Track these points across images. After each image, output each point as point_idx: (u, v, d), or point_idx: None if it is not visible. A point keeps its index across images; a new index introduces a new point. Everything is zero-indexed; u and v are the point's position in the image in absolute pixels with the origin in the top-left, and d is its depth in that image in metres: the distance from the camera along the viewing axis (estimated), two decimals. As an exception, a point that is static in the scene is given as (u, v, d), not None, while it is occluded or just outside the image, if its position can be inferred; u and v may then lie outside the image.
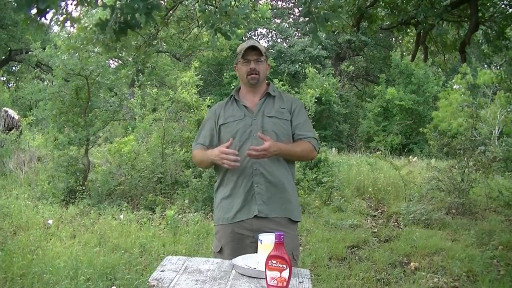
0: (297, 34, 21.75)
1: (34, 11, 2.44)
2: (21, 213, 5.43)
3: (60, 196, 6.37)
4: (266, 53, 2.34)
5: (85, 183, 6.62)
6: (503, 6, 5.39)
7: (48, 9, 2.39)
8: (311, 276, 1.82)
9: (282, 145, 2.21)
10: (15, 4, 2.31)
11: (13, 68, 22.85)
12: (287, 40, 21.10)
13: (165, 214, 5.61)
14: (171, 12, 4.93)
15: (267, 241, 1.70)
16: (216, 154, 2.17)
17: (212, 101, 8.33)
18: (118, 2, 2.87)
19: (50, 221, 5.24)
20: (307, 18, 2.84)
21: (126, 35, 3.03)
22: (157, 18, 4.48)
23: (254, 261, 1.79)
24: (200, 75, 8.84)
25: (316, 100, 8.43)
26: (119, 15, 2.86)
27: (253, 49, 2.27)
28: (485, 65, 16.54)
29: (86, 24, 4.33)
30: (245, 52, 2.27)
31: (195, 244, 4.64)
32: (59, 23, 3.45)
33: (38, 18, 2.47)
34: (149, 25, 4.10)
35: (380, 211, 6.96)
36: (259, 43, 2.43)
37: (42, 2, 2.26)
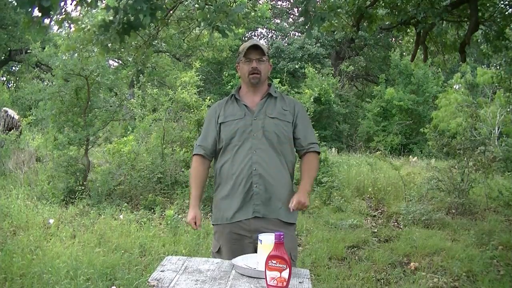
0: (297, 34, 21.76)
1: (36, 12, 2.43)
2: (21, 213, 5.42)
3: (60, 196, 6.36)
4: (268, 53, 2.34)
5: (85, 183, 6.62)
6: (502, 6, 5.40)
7: (51, 10, 2.38)
8: (311, 276, 1.82)
9: (307, 187, 2.25)
10: (16, 3, 2.31)
11: (13, 68, 22.84)
12: (286, 38, 21.11)
13: (164, 214, 5.60)
14: (171, 12, 4.93)
15: (267, 241, 1.70)
16: (189, 218, 2.31)
17: (212, 100, 8.32)
18: (122, 3, 2.88)
19: (51, 221, 5.24)
20: (304, 18, 2.86)
21: (130, 35, 3.03)
22: (157, 19, 4.48)
23: (254, 261, 1.79)
24: (200, 75, 8.83)
25: (314, 100, 8.42)
26: (122, 16, 2.87)
27: (255, 48, 2.27)
28: (483, 66, 16.56)
29: (83, 25, 4.33)
30: (247, 51, 2.28)
31: (195, 244, 4.64)
32: (57, 22, 3.45)
33: (43, 20, 2.46)
34: (149, 25, 4.10)
35: (380, 211, 6.96)
36: (262, 42, 2.43)
37: (45, 0, 2.26)
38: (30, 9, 2.35)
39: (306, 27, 3.16)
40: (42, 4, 2.28)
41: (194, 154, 2.39)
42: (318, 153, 2.37)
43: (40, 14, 2.43)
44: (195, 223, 2.30)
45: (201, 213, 2.38)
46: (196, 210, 2.32)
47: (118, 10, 2.87)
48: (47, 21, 2.59)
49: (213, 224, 2.36)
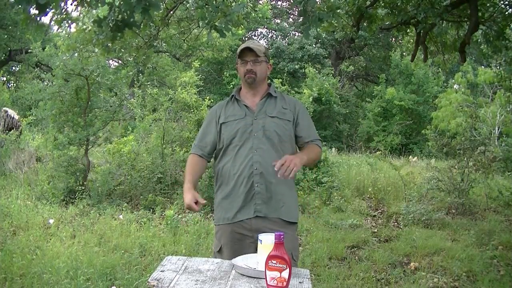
0: (297, 34, 21.77)
1: (33, 11, 2.44)
2: (21, 213, 5.43)
3: (60, 196, 6.37)
4: (266, 53, 2.34)
5: (85, 183, 6.62)
6: (503, 6, 5.40)
7: (48, 7, 2.39)
8: (311, 276, 1.82)
9: (303, 155, 2.18)
10: (13, 0, 2.31)
11: (13, 68, 22.81)
12: (286, 39, 21.11)
13: (164, 214, 5.60)
14: (171, 12, 4.93)
15: (267, 241, 1.70)
16: (186, 201, 2.14)
17: (212, 100, 8.32)
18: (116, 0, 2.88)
19: (51, 221, 5.24)
20: (302, 18, 2.87)
21: (123, 33, 3.03)
22: (157, 19, 4.48)
23: (254, 261, 1.79)
24: (200, 75, 8.83)
25: (315, 100, 8.41)
26: (116, 13, 2.87)
27: (250, 50, 2.29)
28: (483, 66, 16.57)
29: (84, 26, 4.34)
30: (242, 53, 2.30)
31: (195, 244, 4.64)
32: (57, 22, 3.45)
33: (38, 18, 2.47)
34: (148, 24, 4.11)
35: (380, 211, 6.96)
36: (259, 43, 2.43)
37: (41, -2, 2.26)
38: (27, 6, 2.36)
39: (304, 27, 3.16)
40: (39, 1, 2.28)
41: (191, 153, 2.39)
42: (320, 148, 2.37)
43: (37, 12, 2.44)
44: (196, 203, 2.13)
45: (197, 193, 2.20)
46: (192, 192, 2.16)
47: (113, 6, 2.88)
48: (45, 20, 2.61)
49: (215, 224, 2.37)
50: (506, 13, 5.24)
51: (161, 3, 4.02)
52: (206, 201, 2.20)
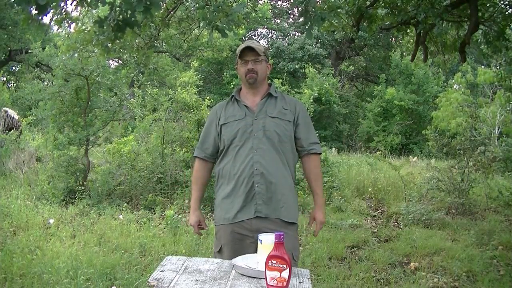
0: (297, 34, 21.78)
1: (34, 11, 2.44)
2: (21, 213, 5.43)
3: (60, 196, 6.37)
4: (265, 53, 2.34)
5: (85, 183, 6.62)
6: (503, 6, 5.39)
7: (48, 7, 2.39)
8: (311, 276, 1.82)
9: (321, 202, 2.37)
10: (13, 0, 2.31)
11: (13, 68, 22.80)
12: (287, 39, 21.11)
13: (164, 214, 5.60)
14: (171, 13, 4.93)
15: (267, 241, 1.70)
16: (191, 223, 2.43)
17: (212, 100, 8.31)
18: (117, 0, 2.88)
19: (51, 221, 5.24)
20: (304, 18, 2.87)
21: (124, 33, 3.03)
22: (157, 19, 4.49)
23: (254, 261, 1.79)
24: (200, 75, 8.83)
25: (315, 100, 8.40)
26: (117, 13, 2.87)
27: (250, 49, 2.28)
28: (483, 66, 16.57)
29: (83, 27, 4.34)
30: (242, 53, 2.29)
31: (195, 244, 4.64)
32: (57, 22, 3.46)
33: (39, 18, 2.47)
34: (148, 25, 4.11)
35: (380, 211, 6.96)
36: (259, 43, 2.43)
37: (41, -1, 2.26)
38: (27, 7, 2.36)
39: (306, 27, 3.16)
40: (38, 2, 2.29)
41: (195, 157, 2.44)
42: (319, 154, 2.38)
43: (37, 12, 2.44)
44: (199, 226, 2.41)
45: (202, 215, 2.45)
46: (198, 213, 2.41)
47: (114, 6, 2.87)
48: (45, 20, 2.62)
49: (215, 224, 2.37)
50: (506, 13, 5.23)
51: (161, 3, 4.02)
52: (207, 228, 2.50)
